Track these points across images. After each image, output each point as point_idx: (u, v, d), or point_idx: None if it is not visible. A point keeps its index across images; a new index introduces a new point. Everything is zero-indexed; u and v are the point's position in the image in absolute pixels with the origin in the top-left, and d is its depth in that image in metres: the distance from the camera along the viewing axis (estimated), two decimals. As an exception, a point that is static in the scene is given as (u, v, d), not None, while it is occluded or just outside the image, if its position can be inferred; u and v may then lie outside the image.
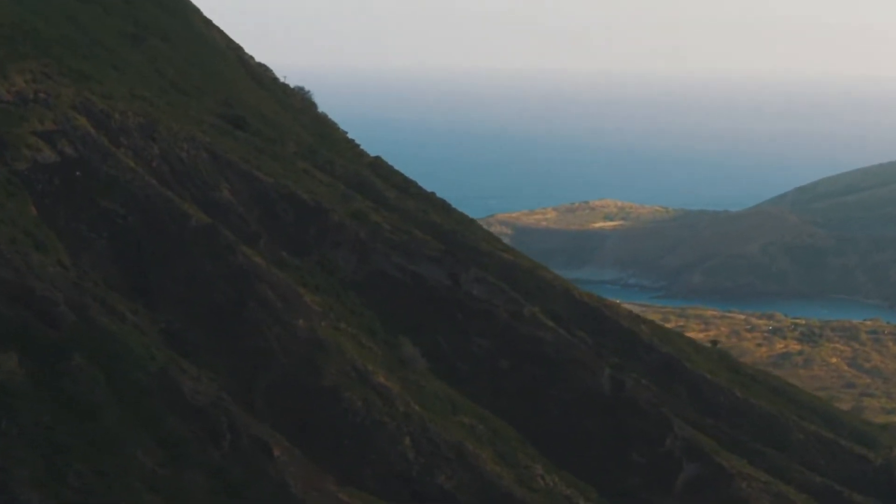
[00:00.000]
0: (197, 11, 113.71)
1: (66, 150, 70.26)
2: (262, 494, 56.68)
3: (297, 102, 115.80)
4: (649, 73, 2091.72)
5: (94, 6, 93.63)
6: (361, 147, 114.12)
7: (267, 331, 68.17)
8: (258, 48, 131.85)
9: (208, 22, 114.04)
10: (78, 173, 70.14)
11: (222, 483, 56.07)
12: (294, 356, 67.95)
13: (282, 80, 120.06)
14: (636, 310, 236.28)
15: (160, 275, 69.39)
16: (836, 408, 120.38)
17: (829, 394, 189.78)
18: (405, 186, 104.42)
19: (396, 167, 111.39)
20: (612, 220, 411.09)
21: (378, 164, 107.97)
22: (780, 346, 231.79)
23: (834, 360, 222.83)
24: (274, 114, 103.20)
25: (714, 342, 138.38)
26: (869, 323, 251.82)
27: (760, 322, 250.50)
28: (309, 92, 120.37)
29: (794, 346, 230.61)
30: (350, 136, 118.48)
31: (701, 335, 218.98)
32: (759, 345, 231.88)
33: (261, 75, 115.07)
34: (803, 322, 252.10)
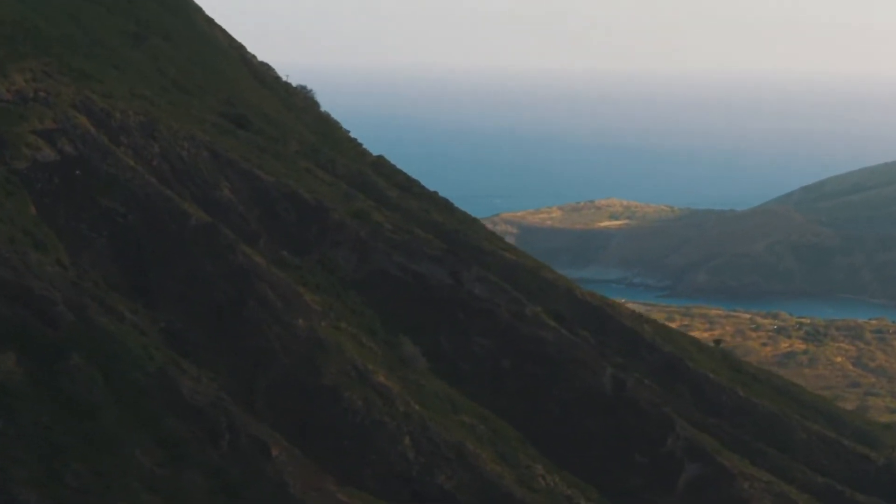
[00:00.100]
0: (199, 10, 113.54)
1: (66, 148, 70.11)
2: (260, 494, 56.55)
3: (299, 101, 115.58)
4: (655, 71, 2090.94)
5: (96, 5, 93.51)
6: (364, 146, 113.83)
7: (267, 330, 68.01)
8: (261, 47, 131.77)
9: (210, 21, 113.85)
10: (78, 172, 70.00)
11: (221, 483, 55.95)
12: (294, 356, 67.78)
13: (284, 79, 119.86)
14: (641, 309, 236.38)
15: (160, 274, 69.25)
16: (839, 407, 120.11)
17: (834, 393, 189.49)
18: (408, 186, 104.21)
19: (401, 166, 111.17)
20: (617, 219, 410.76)
21: (380, 164, 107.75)
22: (784, 345, 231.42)
23: (839, 359, 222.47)
24: (276, 113, 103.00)
25: (717, 341, 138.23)
26: (874, 322, 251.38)
27: (765, 321, 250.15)
28: (311, 91, 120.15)
29: (799, 346, 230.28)
30: (353, 135, 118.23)
31: (706, 334, 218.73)
32: (764, 344, 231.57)
33: (263, 74, 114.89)
34: (808, 321, 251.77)
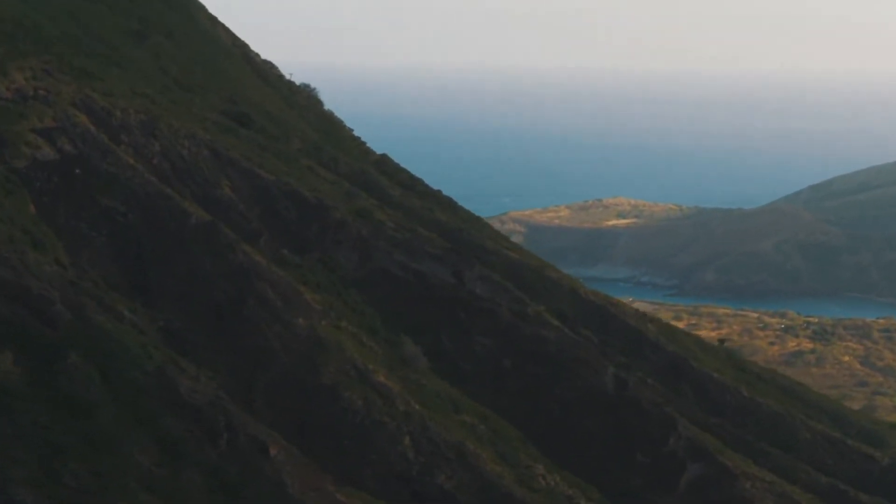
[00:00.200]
0: (202, 9, 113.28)
1: (66, 147, 69.96)
2: (259, 494, 56.38)
3: (302, 100, 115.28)
4: (662, 70, 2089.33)
5: (98, 3, 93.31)
6: (367, 145, 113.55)
7: (267, 329, 67.82)
8: (264, 45, 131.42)
9: (213, 19, 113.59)
10: (77, 171, 69.86)
11: (219, 482, 55.81)
12: (294, 355, 67.59)
13: (287, 77, 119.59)
14: (649, 308, 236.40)
15: (160, 273, 69.09)
16: (844, 407, 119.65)
17: (842, 392, 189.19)
18: (411, 184, 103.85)
19: (407, 165, 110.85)
20: (624, 218, 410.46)
21: (384, 162, 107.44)
22: (792, 344, 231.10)
23: (846, 358, 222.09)
24: (279, 111, 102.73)
25: (721, 341, 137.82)
26: (882, 321, 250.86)
27: (773, 320, 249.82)
28: (315, 89, 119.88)
29: (807, 345, 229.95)
30: (357, 133, 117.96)
31: (713, 333, 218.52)
32: (772, 343, 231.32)
33: (266, 72, 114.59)
34: (816, 320, 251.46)
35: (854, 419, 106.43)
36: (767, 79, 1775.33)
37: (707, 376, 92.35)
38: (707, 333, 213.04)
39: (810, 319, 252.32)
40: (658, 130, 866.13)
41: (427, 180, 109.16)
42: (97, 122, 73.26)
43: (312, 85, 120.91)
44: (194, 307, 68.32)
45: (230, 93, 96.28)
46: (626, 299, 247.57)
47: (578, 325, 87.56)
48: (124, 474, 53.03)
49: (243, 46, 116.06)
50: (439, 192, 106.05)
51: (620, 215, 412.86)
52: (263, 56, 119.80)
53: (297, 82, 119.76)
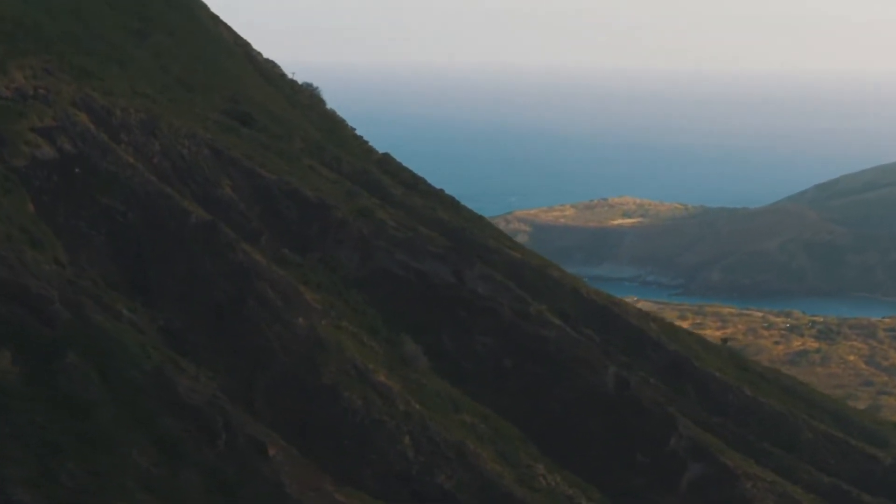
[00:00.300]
0: (204, 7, 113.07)
1: (66, 146, 69.85)
2: (257, 494, 56.23)
3: (305, 99, 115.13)
4: (668, 69, 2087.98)
5: (99, 2, 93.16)
6: (370, 144, 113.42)
7: (266, 329, 67.69)
8: (266, 44, 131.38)
9: (216, 18, 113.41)
10: (77, 170, 69.74)
11: (217, 483, 55.63)
12: (294, 355, 67.46)
13: (290, 76, 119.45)
14: (654, 307, 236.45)
15: (159, 272, 68.96)
16: (848, 406, 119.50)
17: (847, 392, 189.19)
18: (413, 183, 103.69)
19: (412, 164, 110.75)
20: (630, 217, 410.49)
21: (386, 161, 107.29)
22: (797, 343, 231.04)
23: (851, 357, 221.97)
24: (281, 110, 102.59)
25: (724, 340, 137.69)
26: (887, 321, 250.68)
27: (778, 320, 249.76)
28: (317, 88, 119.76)
29: (812, 344, 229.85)
30: (360, 133, 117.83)
31: (718, 333, 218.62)
32: (777, 342, 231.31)
33: (269, 71, 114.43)
34: (821, 320, 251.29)
35: (857, 419, 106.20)
36: (770, 78, 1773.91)
37: (709, 376, 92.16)
38: (712, 333, 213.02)
39: (815, 319, 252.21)
40: (663, 129, 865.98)
41: (432, 179, 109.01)
42: (97, 121, 73.14)
43: (315, 84, 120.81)
44: (194, 307, 68.21)
45: (232, 92, 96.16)
46: (632, 298, 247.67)
47: (580, 324, 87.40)
48: (122, 474, 52.89)
49: (245, 45, 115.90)
50: (441, 191, 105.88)
51: (626, 214, 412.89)
52: (266, 55, 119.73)
53: (300, 81, 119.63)
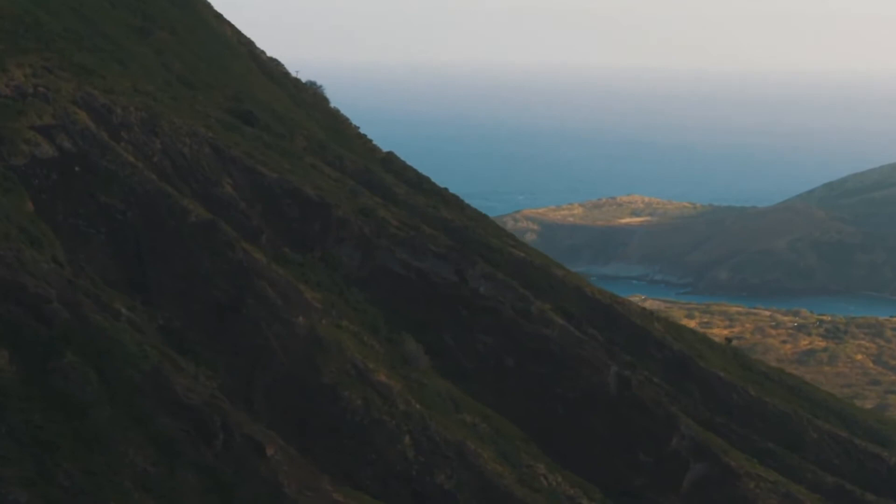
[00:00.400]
0: (207, 5, 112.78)
1: (65, 144, 69.60)
2: (254, 494, 55.97)
3: (308, 98, 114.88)
4: (677, 67, 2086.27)
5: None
6: (374, 142, 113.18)
7: (266, 328, 67.41)
8: (271, 43, 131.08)
9: (219, 16, 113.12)
10: (77, 168, 69.48)
11: (214, 482, 55.40)
12: (293, 354, 67.19)
13: (294, 74, 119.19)
14: (661, 306, 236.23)
15: (159, 271, 68.66)
16: (853, 405, 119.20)
17: (854, 391, 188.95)
18: (417, 182, 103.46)
19: (419, 162, 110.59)
20: (638, 215, 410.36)
21: (390, 160, 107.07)
22: (804, 342, 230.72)
23: (859, 357, 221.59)
24: (284, 109, 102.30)
25: (729, 339, 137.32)
26: (895, 320, 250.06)
27: (786, 319, 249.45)
28: (321, 87, 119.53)
29: (819, 343, 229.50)
30: (369, 131, 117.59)
31: (725, 332, 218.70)
32: (784, 342, 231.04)
33: (272, 70, 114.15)
34: (829, 319, 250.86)
35: (861, 418, 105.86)
36: (778, 76, 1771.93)
37: (713, 375, 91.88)
38: (719, 332, 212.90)
39: (823, 318, 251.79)
40: (670, 128, 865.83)
41: (440, 178, 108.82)
42: (97, 119, 72.88)
43: (319, 82, 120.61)
44: (194, 305, 67.92)
45: (235, 90, 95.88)
46: (639, 297, 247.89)
47: (584, 323, 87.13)
48: (118, 474, 52.71)
49: (249, 44, 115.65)
50: (445, 189, 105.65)
51: (634, 213, 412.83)
52: (270, 53, 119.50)
53: (304, 80, 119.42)
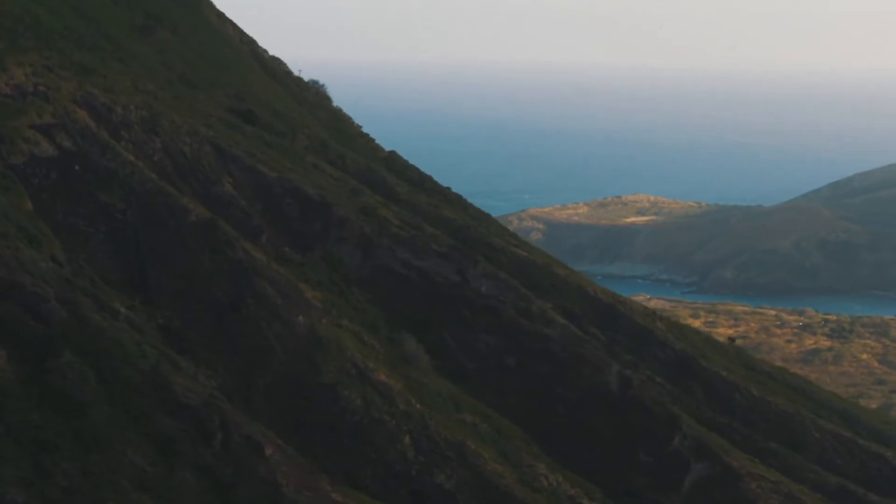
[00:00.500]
0: (209, 4, 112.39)
1: (65, 143, 69.49)
2: (253, 494, 55.85)
3: (311, 96, 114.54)
4: (680, 66, 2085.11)
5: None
6: (376, 141, 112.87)
7: (266, 328, 67.29)
8: (273, 42, 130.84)
9: (221, 15, 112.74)
10: (76, 167, 69.37)
11: (213, 482, 55.30)
12: (293, 353, 67.06)
13: (296, 73, 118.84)
14: (666, 305, 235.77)
15: (159, 270, 68.55)
16: (856, 405, 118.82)
17: (859, 391, 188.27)
18: (420, 181, 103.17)
19: (424, 161, 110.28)
20: (644, 215, 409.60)
21: (392, 159, 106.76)
22: (810, 342, 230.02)
23: (864, 356, 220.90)
24: (286, 108, 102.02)
25: (731, 339, 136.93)
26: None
27: (791, 318, 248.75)
28: (324, 86, 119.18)
29: (825, 343, 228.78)
30: (372, 130, 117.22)
31: (730, 331, 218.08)
32: (789, 341, 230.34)
33: (274, 69, 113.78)
34: (834, 318, 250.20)
35: (865, 418, 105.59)
36: (784, 75, 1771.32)
37: (716, 375, 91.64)
38: (724, 331, 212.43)
39: (828, 317, 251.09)
40: (676, 127, 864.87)
41: (444, 177, 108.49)
42: (97, 118, 72.77)
43: (321, 81, 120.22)
44: (193, 305, 67.81)
45: (237, 89, 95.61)
46: (644, 296, 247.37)
47: (585, 323, 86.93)
48: (117, 473, 52.66)
49: (251, 43, 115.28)
50: (448, 189, 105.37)
51: (639, 212, 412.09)
52: (272, 52, 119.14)
53: (306, 79, 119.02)
